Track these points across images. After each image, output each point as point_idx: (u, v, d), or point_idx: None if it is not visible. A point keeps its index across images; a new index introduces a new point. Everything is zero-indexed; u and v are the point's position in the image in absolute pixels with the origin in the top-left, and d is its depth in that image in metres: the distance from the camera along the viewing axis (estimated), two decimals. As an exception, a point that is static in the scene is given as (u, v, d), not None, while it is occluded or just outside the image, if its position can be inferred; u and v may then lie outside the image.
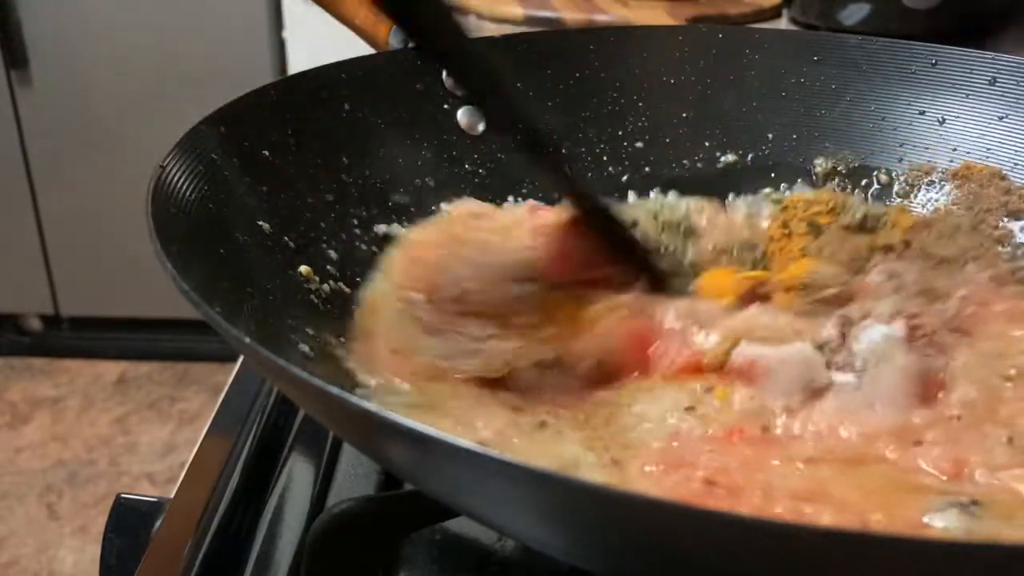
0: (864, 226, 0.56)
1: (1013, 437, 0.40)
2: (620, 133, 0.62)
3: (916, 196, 0.59)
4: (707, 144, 0.63)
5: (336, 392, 0.29)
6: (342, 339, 0.47)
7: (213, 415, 0.54)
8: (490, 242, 0.51)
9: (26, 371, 2.13)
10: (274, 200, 0.48)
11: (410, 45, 0.59)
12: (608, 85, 0.63)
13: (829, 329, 0.46)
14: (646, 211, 0.57)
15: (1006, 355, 0.45)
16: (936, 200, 0.59)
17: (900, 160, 0.60)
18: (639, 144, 0.62)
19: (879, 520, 0.35)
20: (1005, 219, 0.56)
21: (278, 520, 0.46)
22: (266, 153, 0.49)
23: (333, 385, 0.29)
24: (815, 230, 0.56)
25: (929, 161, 0.60)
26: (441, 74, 0.58)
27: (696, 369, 0.45)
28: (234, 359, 0.61)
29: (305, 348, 0.43)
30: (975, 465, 0.39)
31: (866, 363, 0.44)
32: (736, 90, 0.63)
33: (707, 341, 0.46)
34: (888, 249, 0.54)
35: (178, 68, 1.85)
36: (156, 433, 1.96)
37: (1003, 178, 0.57)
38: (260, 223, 0.47)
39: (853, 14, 0.95)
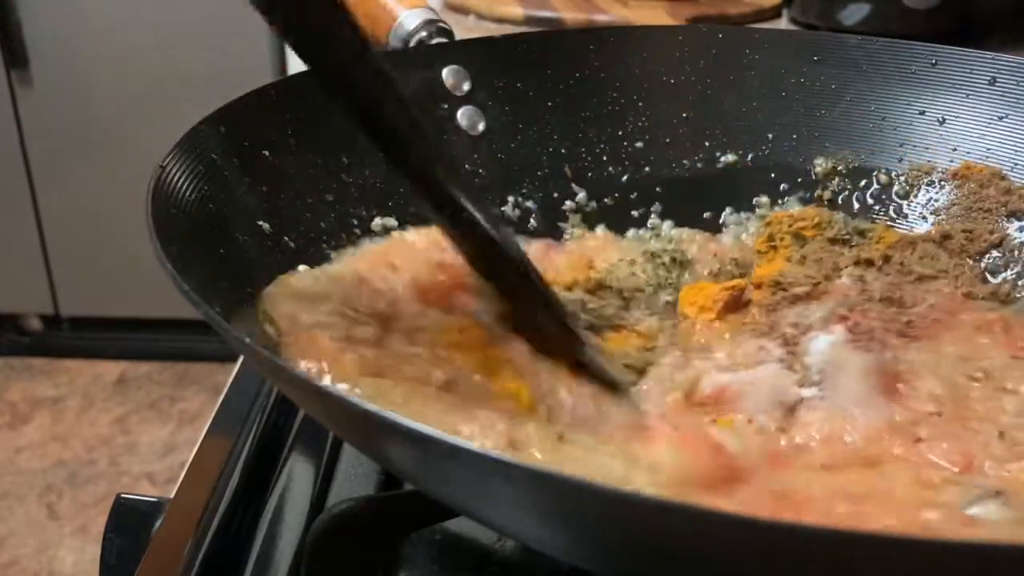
0: (848, 241, 0.56)
1: (1003, 432, 0.41)
2: (620, 133, 0.62)
3: (916, 196, 0.59)
4: (707, 144, 0.63)
5: (336, 392, 0.29)
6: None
7: (213, 415, 0.54)
8: None
9: (26, 371, 2.13)
10: (274, 200, 0.48)
11: (411, 44, 0.59)
12: (608, 85, 0.63)
13: (777, 348, 0.46)
14: (640, 248, 0.58)
15: (971, 359, 0.46)
16: (936, 200, 0.59)
17: (900, 160, 0.60)
18: (639, 144, 0.62)
19: (932, 517, 0.35)
20: (1005, 219, 0.56)
21: (278, 520, 0.46)
22: (266, 153, 0.49)
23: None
24: (800, 242, 0.56)
25: (929, 161, 0.60)
26: (441, 74, 0.58)
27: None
28: (234, 359, 0.61)
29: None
30: (982, 459, 0.40)
31: (823, 373, 0.44)
32: (736, 90, 0.63)
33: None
34: (868, 263, 0.54)
35: (178, 68, 1.85)
36: (156, 433, 1.96)
37: (1003, 178, 0.57)
38: (260, 223, 0.47)
39: (853, 14, 0.95)
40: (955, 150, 0.59)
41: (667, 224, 0.60)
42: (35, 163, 1.95)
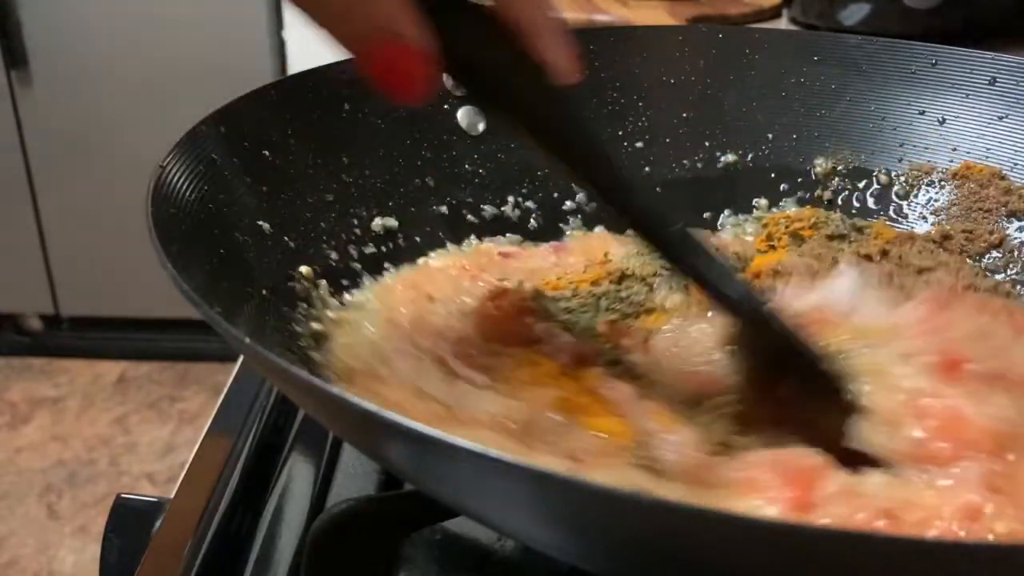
0: (846, 237, 0.57)
1: None
2: (620, 133, 0.62)
3: (916, 196, 0.59)
4: (707, 144, 0.63)
5: (336, 392, 0.29)
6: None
7: (213, 415, 0.54)
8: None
9: (26, 371, 2.13)
10: (274, 200, 0.48)
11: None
12: (608, 85, 0.63)
13: None
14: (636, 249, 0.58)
15: (979, 337, 0.46)
16: (936, 200, 0.59)
17: (900, 160, 0.60)
18: (639, 144, 0.62)
19: None
20: (1005, 219, 0.56)
21: (278, 520, 0.46)
22: (266, 153, 0.49)
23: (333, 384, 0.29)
24: (798, 241, 0.57)
25: (929, 161, 0.60)
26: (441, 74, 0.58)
27: None
28: (234, 359, 0.61)
29: (306, 348, 0.44)
30: None
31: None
32: (736, 90, 0.63)
33: None
34: (867, 257, 0.54)
35: (178, 68, 1.85)
36: (156, 433, 1.96)
37: (1003, 178, 0.57)
38: (260, 223, 0.47)
39: (853, 14, 0.95)
40: (955, 150, 0.59)
41: None
42: (35, 163, 1.95)
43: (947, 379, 0.40)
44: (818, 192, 0.61)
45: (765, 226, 0.59)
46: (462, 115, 0.58)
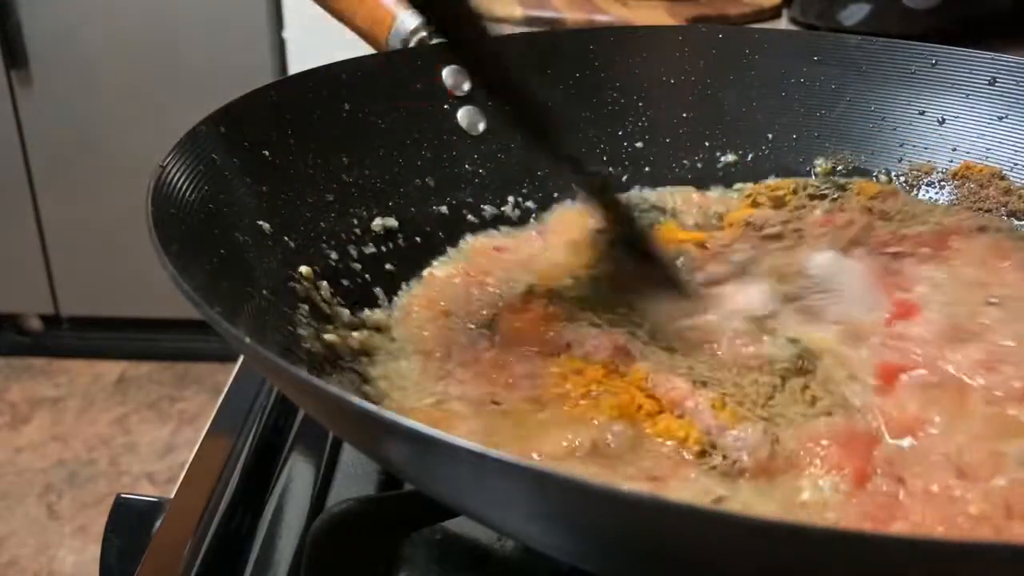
0: (827, 196, 0.58)
1: None
2: (620, 133, 0.62)
3: (916, 196, 0.59)
4: (707, 144, 0.63)
5: (336, 392, 0.29)
6: (345, 339, 0.47)
7: (213, 415, 0.54)
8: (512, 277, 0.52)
9: (26, 371, 2.13)
10: (274, 200, 0.48)
11: (411, 44, 0.59)
12: (608, 85, 0.63)
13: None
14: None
15: (987, 283, 0.49)
16: (936, 200, 0.59)
17: (900, 160, 0.60)
18: (639, 144, 0.62)
19: None
20: (1005, 219, 0.56)
21: (278, 520, 0.46)
22: (266, 153, 0.49)
23: (334, 385, 0.29)
24: (779, 202, 0.58)
25: (929, 161, 0.60)
26: (441, 74, 0.58)
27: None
28: (234, 359, 0.61)
29: (306, 347, 0.43)
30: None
31: (828, 281, 0.49)
32: (736, 90, 0.63)
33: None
34: (842, 210, 0.56)
35: (178, 68, 1.85)
36: (156, 433, 1.96)
37: (1003, 178, 0.57)
38: (260, 223, 0.47)
39: (853, 14, 0.95)
40: (955, 150, 0.59)
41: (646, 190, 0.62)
42: (35, 163, 1.95)
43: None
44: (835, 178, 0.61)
45: (749, 196, 0.60)
46: (462, 115, 0.58)
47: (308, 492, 0.47)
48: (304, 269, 0.48)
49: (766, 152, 0.62)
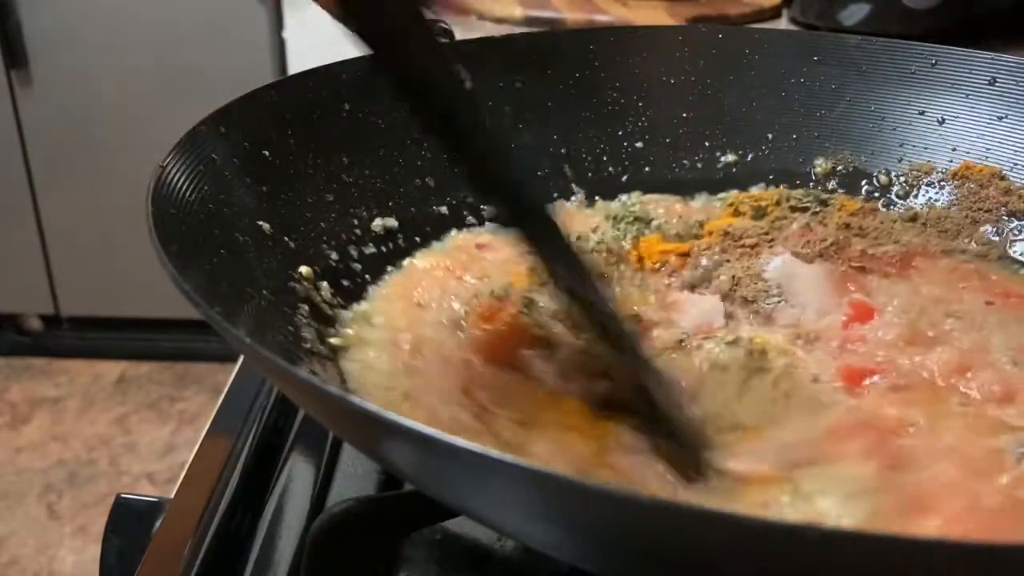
0: (808, 209, 0.58)
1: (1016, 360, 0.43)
2: (620, 133, 0.62)
3: (916, 196, 0.59)
4: (707, 144, 0.63)
5: (336, 392, 0.29)
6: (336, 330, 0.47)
7: (213, 415, 0.54)
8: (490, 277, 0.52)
9: (26, 371, 2.13)
10: (274, 200, 0.48)
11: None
12: (608, 85, 0.63)
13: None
14: (604, 215, 0.59)
15: (945, 300, 0.49)
16: (936, 200, 0.59)
17: (900, 160, 0.60)
18: (639, 144, 0.62)
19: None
20: (1005, 219, 0.56)
21: (278, 520, 0.46)
22: (266, 153, 0.49)
23: (333, 385, 0.29)
24: (760, 213, 0.58)
25: (929, 161, 0.60)
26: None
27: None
28: (234, 359, 0.61)
29: (306, 347, 0.43)
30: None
31: (782, 285, 0.49)
32: (736, 90, 0.63)
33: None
34: (823, 224, 0.55)
35: (178, 68, 1.85)
36: (156, 433, 1.96)
37: (1003, 178, 0.57)
38: (260, 223, 0.47)
39: (853, 14, 0.95)
40: (955, 150, 0.59)
41: (635, 194, 0.61)
42: (35, 163, 1.95)
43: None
44: (818, 192, 0.61)
45: (731, 204, 0.60)
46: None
47: (308, 492, 0.47)
48: (304, 269, 0.48)
49: (766, 152, 0.62)
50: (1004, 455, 0.38)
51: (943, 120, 0.59)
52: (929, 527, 0.35)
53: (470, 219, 0.57)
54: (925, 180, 0.59)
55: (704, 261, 0.52)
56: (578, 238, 0.56)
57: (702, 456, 0.39)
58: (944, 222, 0.57)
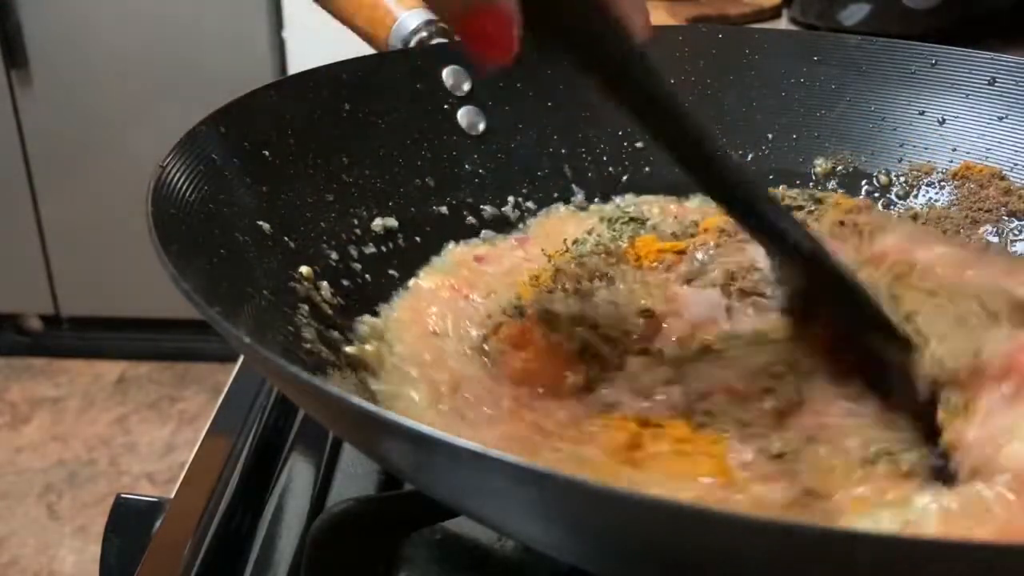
0: (804, 208, 0.58)
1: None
2: (620, 133, 0.62)
3: (916, 196, 0.59)
4: (707, 144, 0.63)
5: (336, 392, 0.29)
6: (346, 338, 0.47)
7: (213, 415, 0.54)
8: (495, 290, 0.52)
9: (26, 371, 2.13)
10: (274, 200, 0.48)
11: (411, 44, 0.59)
12: (608, 85, 0.63)
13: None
14: (599, 217, 0.59)
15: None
16: (936, 200, 0.59)
17: (900, 160, 0.60)
18: (639, 144, 0.62)
19: None
20: (1005, 219, 0.56)
21: (278, 520, 0.46)
22: (266, 153, 0.49)
23: (334, 386, 0.29)
24: None
25: (929, 161, 0.60)
26: (441, 74, 0.58)
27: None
28: (234, 359, 0.61)
29: (306, 348, 0.43)
30: None
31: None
32: (736, 90, 0.63)
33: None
34: (819, 223, 0.55)
35: (178, 68, 1.85)
36: (156, 433, 1.96)
37: (1003, 178, 0.57)
38: (260, 223, 0.47)
39: (853, 14, 0.95)
40: (955, 150, 0.59)
41: (629, 195, 0.61)
42: (35, 163, 1.95)
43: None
44: (814, 190, 0.61)
45: None
46: (462, 115, 0.58)
47: (308, 492, 0.48)
48: (304, 269, 0.48)
49: (766, 152, 0.62)
50: None
51: (943, 120, 0.59)
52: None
53: (470, 219, 0.57)
54: (925, 180, 0.59)
55: (700, 255, 0.52)
56: (575, 242, 0.56)
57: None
58: (944, 222, 0.57)
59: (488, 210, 0.58)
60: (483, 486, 0.29)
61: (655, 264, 0.53)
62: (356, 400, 0.28)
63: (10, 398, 2.05)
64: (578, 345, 0.45)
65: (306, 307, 0.46)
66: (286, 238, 0.48)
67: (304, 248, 0.49)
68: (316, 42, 1.03)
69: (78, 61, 1.86)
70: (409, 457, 0.31)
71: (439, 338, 0.48)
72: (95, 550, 0.54)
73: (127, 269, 1.89)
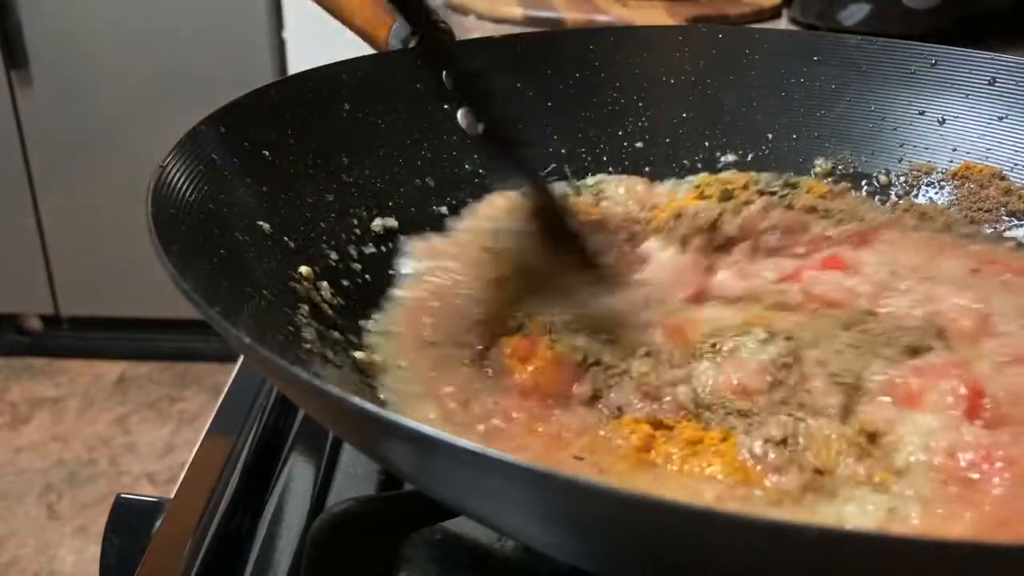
0: (776, 193, 0.57)
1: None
2: (620, 133, 0.62)
3: (916, 196, 0.59)
4: (707, 144, 0.63)
5: (336, 392, 0.29)
6: (348, 338, 0.47)
7: (213, 415, 0.54)
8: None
9: (26, 371, 2.13)
10: (274, 200, 0.48)
11: (411, 44, 0.59)
12: (608, 85, 0.63)
13: None
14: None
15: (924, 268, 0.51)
16: (936, 200, 0.59)
17: (900, 160, 0.60)
18: (639, 144, 0.62)
19: None
20: (1006, 219, 0.56)
21: (278, 520, 0.46)
22: (266, 153, 0.49)
23: (333, 385, 0.29)
24: (727, 196, 0.57)
25: (929, 161, 0.60)
26: (441, 74, 0.58)
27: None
28: (234, 359, 0.61)
29: (306, 348, 0.43)
30: None
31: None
32: (736, 90, 0.63)
33: None
34: (789, 207, 0.56)
35: (178, 68, 1.85)
36: (156, 433, 1.96)
37: (1003, 178, 0.57)
38: (260, 223, 0.47)
39: (853, 14, 0.95)
40: (955, 150, 0.59)
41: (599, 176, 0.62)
42: (35, 163, 1.95)
43: None
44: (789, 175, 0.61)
45: (697, 187, 0.59)
46: (462, 115, 0.58)
47: (308, 492, 0.47)
48: (304, 269, 0.48)
49: (766, 152, 0.62)
50: None
51: (943, 120, 0.59)
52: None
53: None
54: (925, 180, 0.59)
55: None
56: None
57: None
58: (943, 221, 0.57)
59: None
60: (483, 486, 0.29)
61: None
62: (356, 400, 0.28)
63: (10, 398, 2.05)
64: (581, 355, 0.45)
65: (306, 307, 0.46)
66: (286, 238, 0.48)
67: (304, 248, 0.49)
68: (316, 42, 1.03)
69: (78, 61, 1.86)
70: (409, 457, 0.31)
71: (435, 347, 0.47)
72: (95, 550, 0.54)
73: (127, 269, 1.89)
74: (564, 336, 0.46)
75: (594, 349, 0.45)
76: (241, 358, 0.58)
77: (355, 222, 0.52)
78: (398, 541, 0.44)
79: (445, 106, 0.58)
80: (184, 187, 0.42)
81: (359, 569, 0.42)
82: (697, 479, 0.39)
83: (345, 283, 0.50)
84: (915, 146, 0.60)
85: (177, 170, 0.42)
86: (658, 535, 0.26)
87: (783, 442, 0.39)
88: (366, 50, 0.61)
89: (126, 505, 0.51)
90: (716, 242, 0.54)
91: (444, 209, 0.56)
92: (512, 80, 0.60)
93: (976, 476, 0.37)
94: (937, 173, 0.59)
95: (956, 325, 0.45)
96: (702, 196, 0.58)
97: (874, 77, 0.61)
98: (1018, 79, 0.57)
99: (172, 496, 0.48)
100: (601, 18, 1.01)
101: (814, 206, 0.55)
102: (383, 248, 0.53)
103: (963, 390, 0.40)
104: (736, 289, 0.51)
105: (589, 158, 0.62)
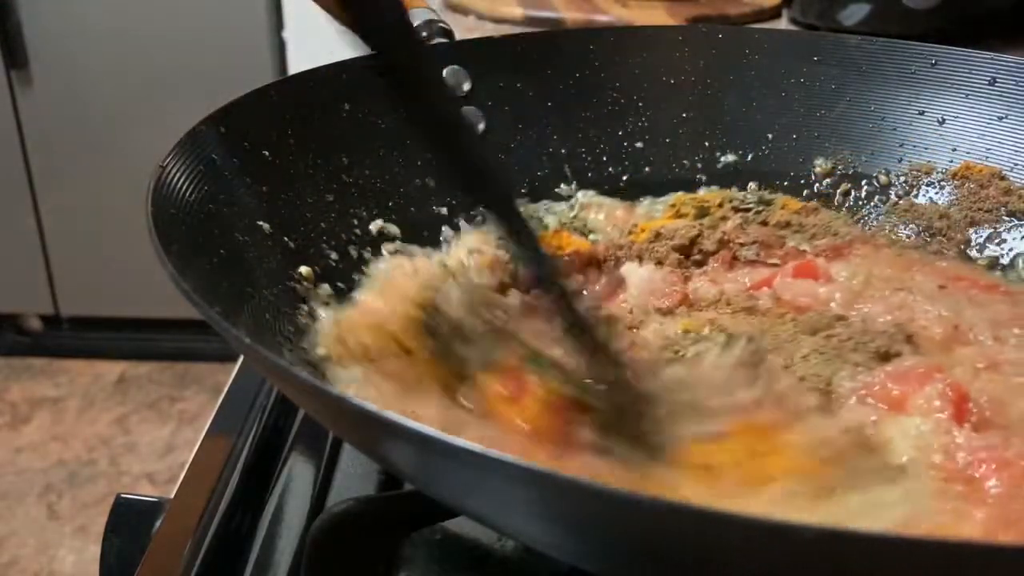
0: (751, 209, 0.58)
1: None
2: (620, 133, 0.62)
3: (916, 196, 0.59)
4: (707, 144, 0.63)
5: (336, 392, 0.29)
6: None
7: (213, 415, 0.54)
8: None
9: (26, 371, 2.13)
10: (274, 200, 0.48)
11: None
12: (608, 85, 0.63)
13: None
14: (554, 218, 0.60)
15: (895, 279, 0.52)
16: (936, 200, 0.59)
17: (900, 160, 0.60)
18: (639, 144, 0.62)
19: None
20: (1006, 219, 0.56)
21: (278, 520, 0.46)
22: (266, 153, 0.49)
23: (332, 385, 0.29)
24: (702, 212, 0.58)
25: (929, 161, 0.60)
26: (441, 74, 0.58)
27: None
28: (234, 359, 0.61)
29: (306, 348, 0.43)
30: None
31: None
32: (736, 90, 0.63)
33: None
34: (764, 223, 0.56)
35: (178, 68, 1.85)
36: (156, 433, 1.96)
37: (1003, 178, 0.57)
38: (260, 223, 0.47)
39: (853, 14, 0.95)
40: (955, 150, 0.59)
41: (582, 192, 0.61)
42: (35, 163, 1.95)
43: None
44: (817, 192, 0.61)
45: (673, 206, 0.59)
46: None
47: (308, 492, 0.47)
48: (304, 269, 0.48)
49: (766, 152, 0.62)
50: None
51: (943, 120, 0.59)
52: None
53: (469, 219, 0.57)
54: (925, 180, 0.59)
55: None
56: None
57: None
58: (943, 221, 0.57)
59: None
60: (483, 486, 0.29)
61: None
62: (356, 400, 0.28)
63: (10, 398, 2.05)
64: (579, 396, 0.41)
65: (306, 307, 0.46)
66: (286, 238, 0.48)
67: (304, 248, 0.49)
68: (316, 42, 1.03)
69: (78, 61, 1.86)
70: (409, 457, 0.31)
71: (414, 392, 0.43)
72: (95, 550, 0.54)
73: (127, 269, 1.89)
74: (556, 373, 0.42)
75: (583, 399, 0.41)
76: (241, 358, 0.58)
77: (355, 222, 0.53)
78: (398, 541, 0.44)
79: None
80: (184, 187, 0.42)
81: (359, 569, 0.42)
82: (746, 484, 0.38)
83: (345, 284, 0.50)
84: (915, 146, 0.60)
85: (177, 170, 0.42)
86: (658, 535, 0.26)
87: None
88: (366, 50, 0.60)
89: (126, 505, 0.51)
90: (693, 256, 0.54)
91: (444, 210, 0.56)
92: (512, 80, 0.60)
93: (977, 475, 0.37)
94: (937, 173, 0.59)
95: (926, 332, 0.46)
96: (678, 215, 0.58)
97: (874, 77, 0.61)
98: (1018, 79, 0.57)
99: (172, 496, 0.48)
100: (601, 18, 1.01)
101: (788, 221, 0.56)
102: (383, 249, 0.53)
103: (950, 393, 0.40)
104: (708, 296, 0.51)
105: (589, 158, 0.62)
